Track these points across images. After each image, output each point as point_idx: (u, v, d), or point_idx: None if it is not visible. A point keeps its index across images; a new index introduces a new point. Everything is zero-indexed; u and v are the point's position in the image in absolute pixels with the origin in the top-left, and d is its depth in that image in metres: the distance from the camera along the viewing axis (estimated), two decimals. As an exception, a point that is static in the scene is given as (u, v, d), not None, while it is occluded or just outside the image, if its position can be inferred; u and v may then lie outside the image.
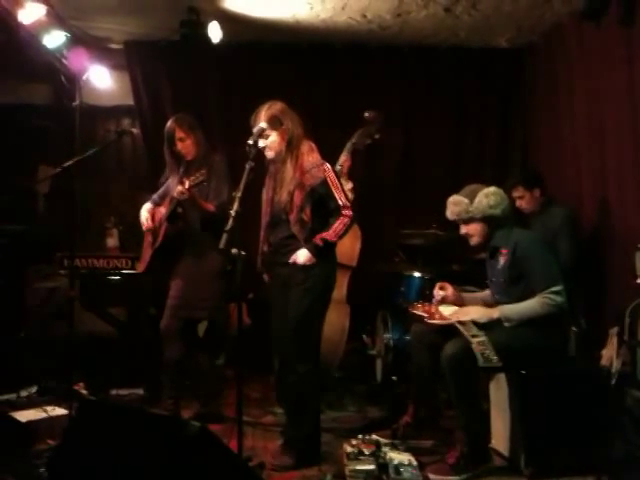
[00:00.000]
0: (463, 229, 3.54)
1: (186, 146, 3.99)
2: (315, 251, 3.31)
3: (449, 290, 3.64)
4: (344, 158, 4.71)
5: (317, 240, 3.32)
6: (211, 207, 3.88)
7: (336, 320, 4.51)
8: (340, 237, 3.38)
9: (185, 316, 3.98)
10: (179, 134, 3.97)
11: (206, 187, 3.91)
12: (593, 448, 3.21)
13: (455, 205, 3.50)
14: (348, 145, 4.74)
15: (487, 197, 3.42)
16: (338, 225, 3.34)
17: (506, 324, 3.34)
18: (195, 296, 3.95)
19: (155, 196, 4.20)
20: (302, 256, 3.32)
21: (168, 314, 3.97)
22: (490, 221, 3.45)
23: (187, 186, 3.67)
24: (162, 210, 4.06)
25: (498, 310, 3.37)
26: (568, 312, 3.36)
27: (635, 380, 3.48)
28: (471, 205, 3.43)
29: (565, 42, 5.06)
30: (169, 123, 4.03)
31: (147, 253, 4.14)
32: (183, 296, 3.96)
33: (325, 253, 3.37)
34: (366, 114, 4.76)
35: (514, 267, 3.38)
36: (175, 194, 3.77)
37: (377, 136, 4.80)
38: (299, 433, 3.38)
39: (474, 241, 3.53)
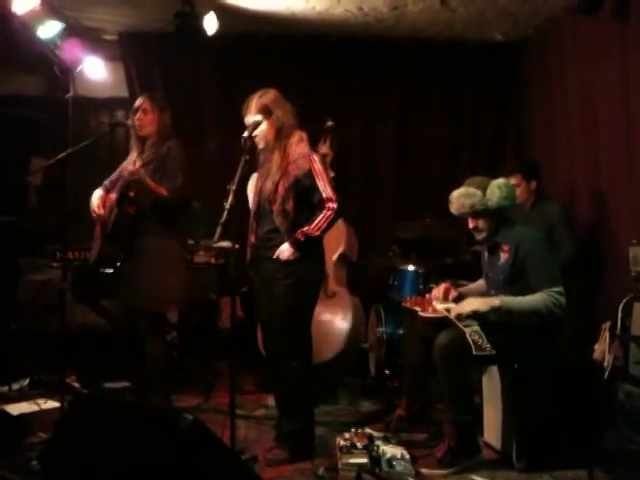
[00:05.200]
0: (472, 223, 3.48)
1: (145, 119, 3.83)
2: (297, 246, 3.25)
3: (453, 294, 3.61)
4: (326, 150, 4.70)
5: (298, 235, 3.26)
6: (163, 191, 3.68)
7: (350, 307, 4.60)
8: (324, 232, 3.29)
9: (144, 310, 3.76)
10: (145, 105, 3.84)
11: (159, 171, 3.74)
12: (585, 442, 3.22)
13: (467, 197, 3.40)
14: (327, 142, 4.73)
15: (499, 188, 3.38)
16: (320, 219, 3.26)
17: (504, 314, 3.30)
18: (153, 289, 3.71)
19: (106, 181, 3.99)
20: (284, 251, 3.28)
21: (128, 313, 3.85)
22: (501, 213, 3.42)
23: (138, 165, 3.55)
24: (113, 197, 3.87)
25: (499, 299, 3.31)
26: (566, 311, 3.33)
27: (627, 374, 3.49)
28: (484, 197, 3.37)
29: (560, 36, 5.06)
30: (141, 96, 3.97)
31: (97, 244, 3.92)
32: (140, 289, 3.70)
33: (309, 248, 3.29)
34: (330, 123, 4.74)
35: (516, 265, 3.35)
36: (125, 174, 3.64)
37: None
38: (293, 427, 3.37)
39: (482, 236, 3.49)
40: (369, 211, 5.66)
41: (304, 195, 3.30)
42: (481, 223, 3.45)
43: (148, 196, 3.70)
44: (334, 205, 3.27)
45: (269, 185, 3.31)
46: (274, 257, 3.31)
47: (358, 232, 4.95)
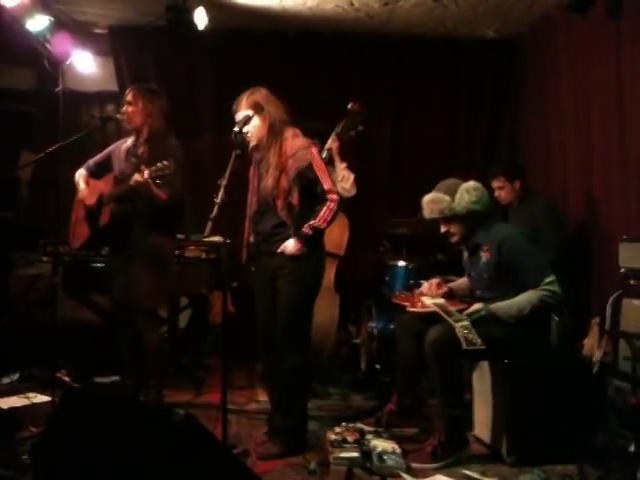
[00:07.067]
0: (443, 227, 3.48)
1: (131, 112, 3.75)
2: (304, 240, 3.27)
3: (443, 289, 3.65)
4: (331, 141, 4.71)
5: (306, 229, 3.27)
6: (163, 195, 3.60)
7: (326, 308, 4.50)
8: (329, 223, 3.32)
9: (137, 305, 3.74)
10: (129, 97, 3.78)
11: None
12: (575, 437, 3.24)
13: (435, 203, 3.42)
14: (334, 132, 4.74)
15: (469, 192, 3.37)
16: (325, 211, 3.28)
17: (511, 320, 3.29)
18: (147, 285, 3.68)
19: (92, 163, 3.92)
20: (290, 246, 3.28)
21: (120, 308, 3.82)
22: (472, 217, 3.40)
23: (147, 176, 3.44)
24: (101, 185, 3.80)
25: (497, 310, 3.28)
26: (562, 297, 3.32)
27: (616, 370, 3.52)
28: (453, 202, 3.37)
29: (553, 34, 5.08)
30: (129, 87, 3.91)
31: (82, 229, 3.82)
32: (134, 285, 3.68)
33: (314, 242, 3.32)
34: (349, 105, 4.75)
35: (500, 263, 3.34)
36: (132, 182, 3.53)
37: (360, 128, 4.78)
38: (286, 422, 3.36)
39: (455, 239, 3.49)
40: (364, 208, 5.64)
41: (308, 187, 3.31)
42: (453, 227, 3.45)
43: (147, 197, 3.64)
44: (335, 196, 3.32)
45: (270, 181, 3.30)
46: (278, 251, 3.30)
47: (353, 229, 4.89)
